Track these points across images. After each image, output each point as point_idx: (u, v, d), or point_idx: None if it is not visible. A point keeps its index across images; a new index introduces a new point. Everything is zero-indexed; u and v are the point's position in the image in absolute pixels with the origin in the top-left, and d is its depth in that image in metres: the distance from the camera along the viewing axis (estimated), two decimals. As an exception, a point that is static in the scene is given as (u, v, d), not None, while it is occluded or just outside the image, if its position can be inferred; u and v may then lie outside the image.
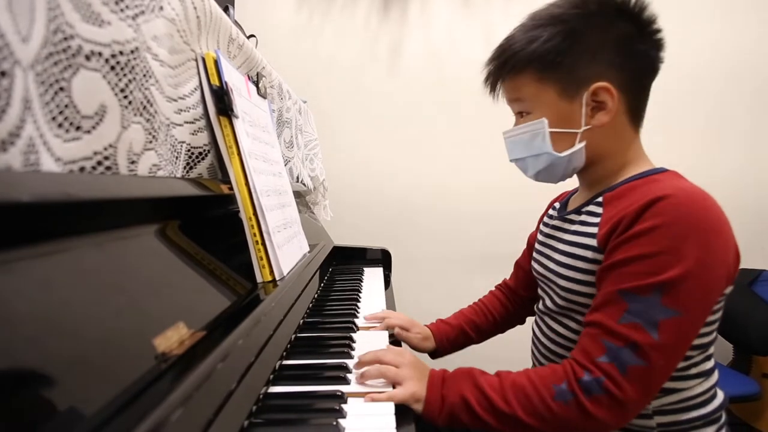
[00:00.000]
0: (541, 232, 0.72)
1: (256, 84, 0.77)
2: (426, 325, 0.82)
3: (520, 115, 0.64)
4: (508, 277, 0.90)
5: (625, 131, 0.60)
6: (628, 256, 0.51)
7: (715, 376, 0.58)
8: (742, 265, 0.54)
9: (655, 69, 0.60)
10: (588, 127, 0.58)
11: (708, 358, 0.57)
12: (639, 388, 0.48)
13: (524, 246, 0.86)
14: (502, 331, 0.86)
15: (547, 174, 0.64)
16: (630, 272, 0.50)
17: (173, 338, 0.37)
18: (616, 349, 0.48)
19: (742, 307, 1.42)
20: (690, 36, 1.62)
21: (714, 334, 0.56)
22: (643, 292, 0.49)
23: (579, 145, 0.59)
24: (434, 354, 0.82)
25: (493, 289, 0.91)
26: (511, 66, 0.61)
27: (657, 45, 0.59)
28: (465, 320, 0.84)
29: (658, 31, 0.58)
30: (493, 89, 0.66)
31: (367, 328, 0.75)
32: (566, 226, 0.65)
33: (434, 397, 0.54)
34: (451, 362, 0.71)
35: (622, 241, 0.52)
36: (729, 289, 0.54)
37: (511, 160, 0.68)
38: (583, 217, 0.61)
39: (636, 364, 0.47)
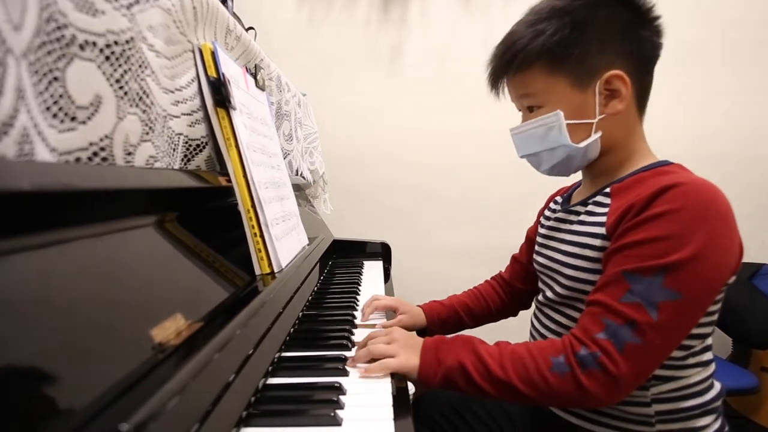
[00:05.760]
0: (543, 226, 0.72)
1: (254, 76, 0.77)
2: (418, 305, 0.82)
3: (530, 110, 0.63)
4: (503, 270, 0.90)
5: (632, 119, 0.61)
6: (636, 239, 0.51)
7: (713, 366, 0.58)
8: (743, 259, 0.54)
9: (657, 55, 0.60)
10: (602, 116, 0.59)
11: (706, 349, 0.57)
12: (634, 365, 0.48)
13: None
14: (496, 320, 0.87)
15: (562, 167, 0.64)
16: (636, 254, 0.50)
17: (171, 329, 0.37)
18: (615, 327, 0.49)
19: (741, 301, 1.42)
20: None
21: (713, 325, 0.56)
22: (647, 273, 0.49)
23: (595, 135, 0.59)
24: (423, 333, 0.82)
25: (489, 279, 0.91)
26: (519, 62, 0.60)
27: (657, 31, 0.59)
28: (458, 303, 0.84)
29: (658, 17, 0.59)
30: (496, 87, 0.65)
31: (366, 326, 0.74)
32: (572, 217, 0.65)
33: (429, 361, 0.55)
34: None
35: (632, 226, 0.52)
36: (731, 280, 0.54)
37: (521, 156, 0.67)
38: (590, 208, 0.61)
39: (633, 342, 0.48)
